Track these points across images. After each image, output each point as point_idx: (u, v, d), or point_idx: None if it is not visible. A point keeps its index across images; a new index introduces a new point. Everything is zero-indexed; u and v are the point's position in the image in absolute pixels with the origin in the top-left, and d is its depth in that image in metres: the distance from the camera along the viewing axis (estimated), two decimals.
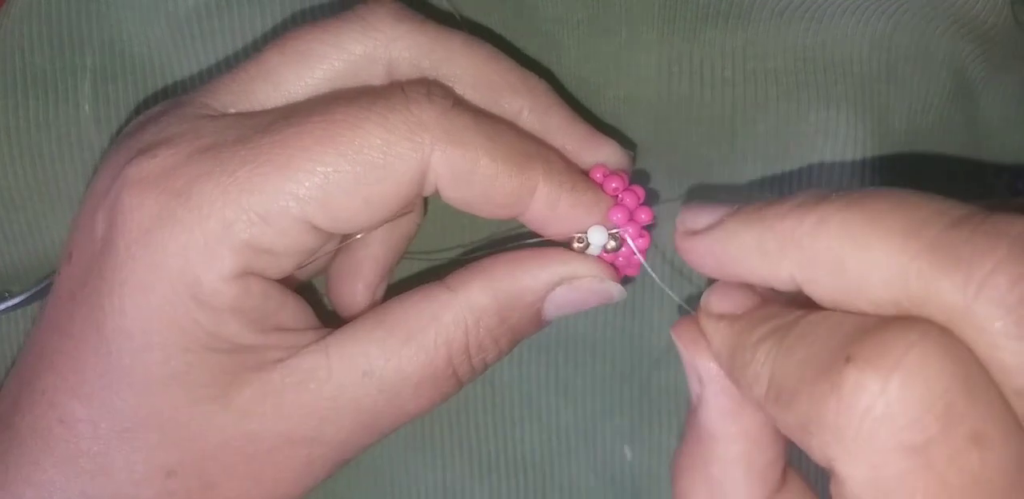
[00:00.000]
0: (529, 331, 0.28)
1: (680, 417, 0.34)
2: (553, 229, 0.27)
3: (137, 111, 0.32)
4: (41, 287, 0.32)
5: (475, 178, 0.25)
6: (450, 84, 0.27)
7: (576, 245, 0.27)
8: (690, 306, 0.26)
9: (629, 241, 0.28)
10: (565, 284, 0.27)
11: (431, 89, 0.25)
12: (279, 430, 0.26)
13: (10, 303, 0.32)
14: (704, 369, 0.24)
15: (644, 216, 0.27)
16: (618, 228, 0.27)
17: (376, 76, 0.26)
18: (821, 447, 0.19)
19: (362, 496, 0.33)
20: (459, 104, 0.25)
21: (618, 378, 0.33)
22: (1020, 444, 0.18)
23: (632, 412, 0.33)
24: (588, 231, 0.27)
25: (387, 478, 0.33)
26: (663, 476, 0.34)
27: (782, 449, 0.24)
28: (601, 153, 0.28)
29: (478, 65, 0.27)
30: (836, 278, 0.20)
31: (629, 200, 0.27)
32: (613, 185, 0.27)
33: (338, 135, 0.24)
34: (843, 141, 0.31)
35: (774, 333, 0.21)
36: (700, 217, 0.24)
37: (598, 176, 0.28)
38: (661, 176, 0.32)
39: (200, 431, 0.25)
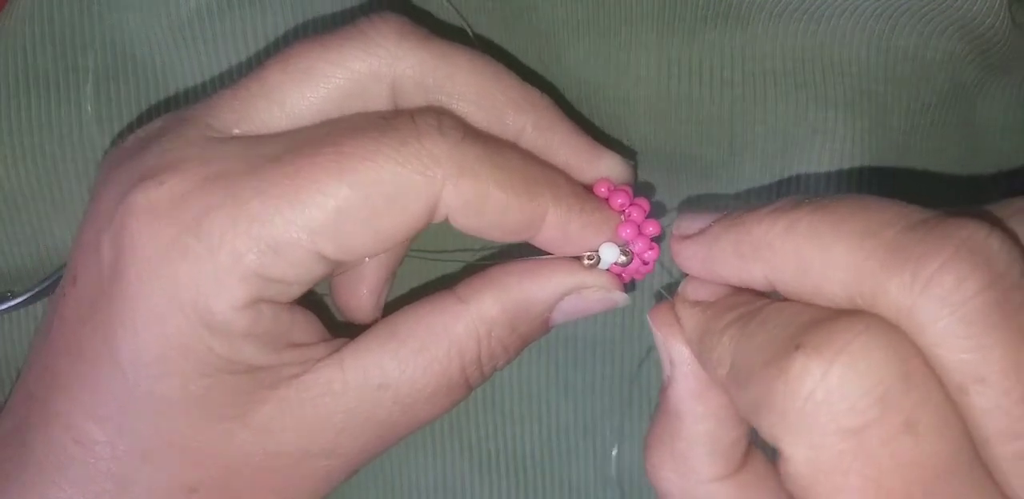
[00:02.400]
0: (536, 336, 0.28)
1: None
2: (565, 250, 0.27)
3: (139, 115, 0.32)
4: (43, 287, 0.32)
5: (486, 208, 0.25)
6: (454, 102, 0.27)
7: (586, 261, 0.28)
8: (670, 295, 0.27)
9: (638, 257, 0.28)
10: (573, 294, 0.27)
11: (442, 120, 0.25)
12: (298, 444, 0.26)
13: (12, 303, 0.32)
14: (675, 352, 0.25)
15: (652, 228, 0.28)
16: (628, 243, 0.28)
17: (380, 94, 0.26)
18: (769, 427, 0.20)
19: (363, 494, 0.33)
20: (469, 135, 0.25)
21: (618, 377, 0.34)
22: (954, 437, 0.19)
23: (632, 411, 0.33)
24: (600, 248, 0.27)
25: (388, 476, 0.33)
26: None
27: (745, 430, 0.25)
28: (603, 166, 0.28)
29: (482, 83, 0.27)
30: (800, 278, 0.21)
31: (636, 214, 0.28)
32: (619, 201, 0.28)
33: (350, 168, 0.24)
34: (841, 141, 0.31)
35: (739, 319, 0.23)
36: (694, 223, 0.25)
37: (603, 191, 0.28)
38: (660, 176, 0.32)
39: (221, 449, 0.25)
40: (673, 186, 0.32)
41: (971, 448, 0.20)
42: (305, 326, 0.26)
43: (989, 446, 0.19)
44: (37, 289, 0.32)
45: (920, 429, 0.19)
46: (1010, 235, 0.20)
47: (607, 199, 0.28)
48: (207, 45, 0.31)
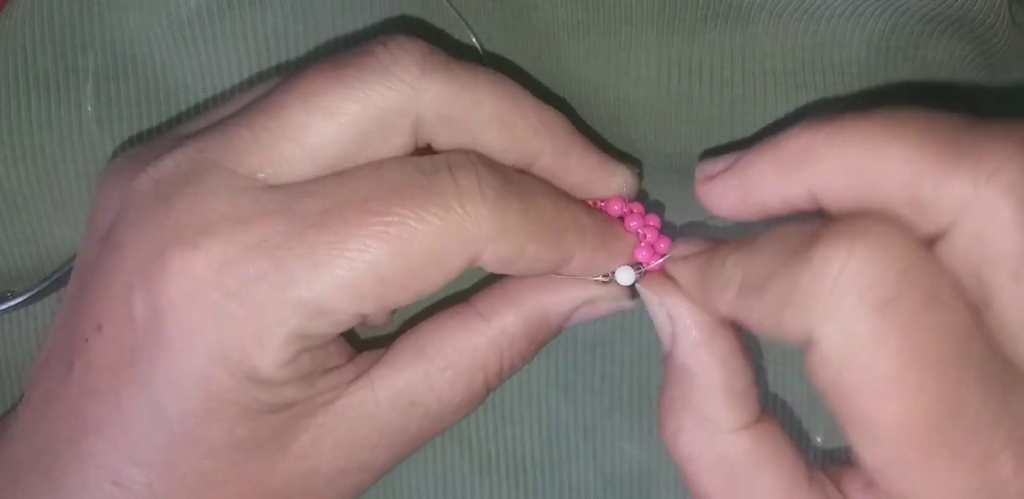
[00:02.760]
0: (548, 341, 0.29)
1: None
2: (587, 275, 0.28)
3: (139, 115, 0.32)
4: (43, 287, 0.32)
5: (520, 260, 0.26)
6: (477, 132, 0.26)
7: (601, 279, 0.29)
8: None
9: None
10: (587, 304, 0.29)
11: (481, 176, 0.25)
12: (336, 464, 0.27)
13: (12, 303, 0.33)
14: (673, 305, 0.26)
15: (664, 245, 0.29)
16: (643, 264, 0.29)
17: (403, 127, 0.26)
18: (798, 320, 0.22)
19: (363, 495, 0.33)
20: (506, 189, 0.25)
21: (618, 377, 0.34)
22: (968, 311, 0.22)
23: (632, 411, 0.33)
24: (616, 272, 0.28)
25: (388, 477, 0.33)
26: (663, 475, 0.34)
27: (754, 377, 0.26)
28: (615, 183, 0.29)
29: (504, 111, 0.27)
30: (853, 181, 0.23)
31: (650, 234, 0.29)
32: (633, 223, 0.29)
33: (396, 238, 0.24)
34: None
35: (740, 247, 0.24)
36: (717, 164, 0.26)
37: (616, 210, 0.29)
38: (660, 176, 0.32)
39: (262, 480, 0.26)
40: (673, 186, 0.32)
41: (980, 325, 0.22)
42: (337, 349, 0.27)
43: None
44: (37, 289, 0.32)
45: (942, 299, 0.21)
46: None
47: (621, 217, 0.29)
48: (207, 45, 0.31)
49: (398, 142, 0.26)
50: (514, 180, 0.26)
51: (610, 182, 0.29)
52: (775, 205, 0.25)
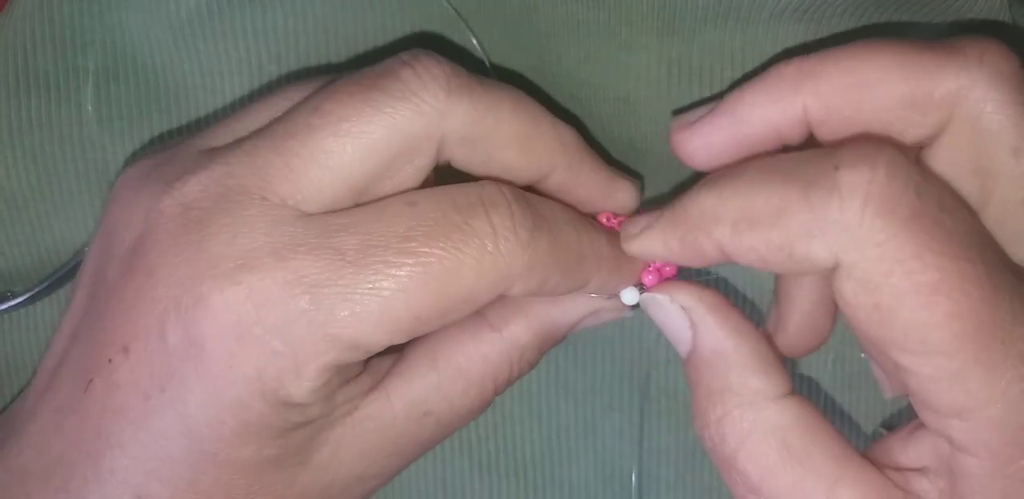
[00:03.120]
0: (552, 347, 0.30)
1: (680, 417, 0.34)
2: (597, 294, 0.29)
3: (140, 116, 0.32)
4: (43, 287, 0.32)
5: (543, 290, 0.27)
6: (498, 151, 0.27)
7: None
8: None
9: None
10: (592, 314, 0.29)
11: (514, 215, 0.25)
12: (353, 473, 0.27)
13: (13, 303, 0.33)
14: (684, 298, 0.27)
15: (670, 270, 0.29)
16: (647, 286, 0.29)
17: (428, 149, 0.26)
18: (829, 246, 0.23)
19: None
20: (537, 226, 0.26)
21: (618, 377, 0.34)
22: (972, 211, 0.24)
23: (632, 411, 0.33)
24: (621, 293, 0.29)
25: None
26: (663, 475, 0.34)
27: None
28: (621, 198, 0.29)
29: (522, 131, 0.27)
30: (850, 92, 0.25)
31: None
32: None
33: (432, 277, 0.24)
34: None
35: (714, 187, 0.25)
36: (695, 112, 0.27)
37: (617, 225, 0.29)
38: (659, 177, 0.32)
39: (283, 490, 0.26)
40: (673, 187, 0.32)
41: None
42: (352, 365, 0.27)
43: None
44: (37, 289, 0.32)
45: (950, 208, 0.23)
46: None
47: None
48: (207, 44, 0.31)
49: (421, 163, 0.26)
50: (542, 213, 0.26)
51: (617, 197, 0.29)
52: (766, 137, 0.26)
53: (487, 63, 0.32)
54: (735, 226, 0.24)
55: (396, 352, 0.28)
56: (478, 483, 0.34)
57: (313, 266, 0.24)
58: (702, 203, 0.25)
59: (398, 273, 0.24)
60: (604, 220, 0.29)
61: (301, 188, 0.25)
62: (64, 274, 0.32)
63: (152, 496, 0.25)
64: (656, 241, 0.26)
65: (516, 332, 0.28)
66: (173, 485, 0.25)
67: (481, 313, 0.28)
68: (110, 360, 0.26)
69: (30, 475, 0.27)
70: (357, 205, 0.26)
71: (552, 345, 0.29)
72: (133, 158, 0.32)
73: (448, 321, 0.25)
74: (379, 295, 0.24)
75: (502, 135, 0.27)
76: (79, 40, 0.31)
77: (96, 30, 0.31)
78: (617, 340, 0.33)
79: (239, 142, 0.26)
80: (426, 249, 0.24)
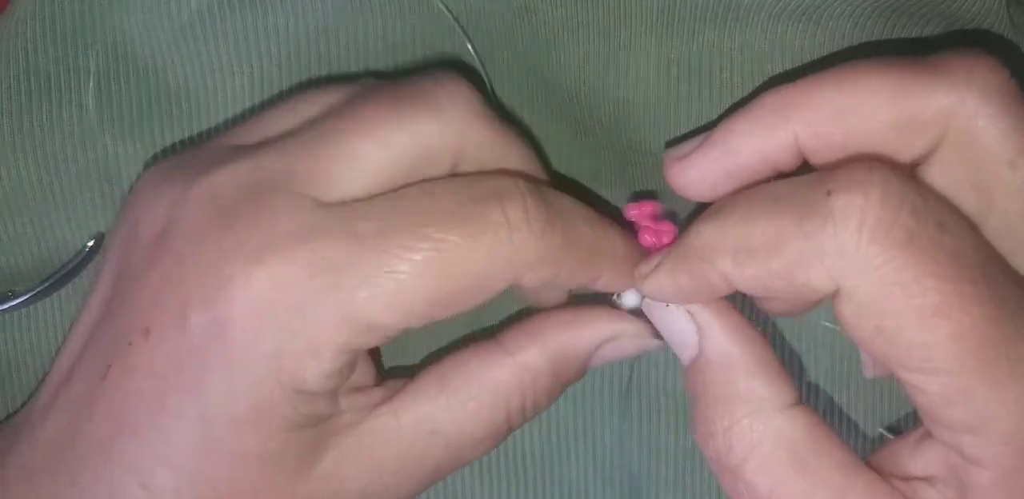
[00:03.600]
0: (576, 380, 0.30)
1: (679, 417, 0.34)
2: (606, 290, 0.29)
3: (141, 116, 0.32)
4: (44, 287, 0.33)
5: (555, 283, 0.27)
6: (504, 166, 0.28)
7: (615, 299, 0.29)
8: None
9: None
10: (611, 342, 0.29)
11: (528, 208, 0.26)
12: (356, 487, 0.27)
13: (13, 303, 0.33)
14: (685, 295, 0.26)
15: None
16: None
17: (445, 160, 0.27)
18: (823, 274, 0.23)
19: None
20: (551, 218, 0.26)
21: (618, 377, 0.34)
22: (972, 227, 0.24)
23: (632, 412, 0.33)
24: (624, 294, 0.29)
25: None
26: (663, 475, 0.34)
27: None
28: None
29: (526, 165, 0.29)
30: (839, 118, 0.25)
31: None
32: (652, 240, 0.29)
33: (446, 263, 0.25)
34: None
35: (712, 212, 0.26)
36: (687, 145, 0.27)
37: (633, 213, 0.29)
38: (659, 177, 0.32)
39: (287, 494, 0.26)
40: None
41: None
42: (364, 369, 0.27)
43: None
44: (38, 289, 0.32)
45: (949, 227, 0.23)
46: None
47: (641, 231, 0.29)
48: (208, 45, 0.31)
49: (437, 173, 0.27)
50: (556, 206, 0.27)
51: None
52: (759, 166, 0.26)
53: (483, 72, 0.32)
54: (736, 258, 0.24)
55: (410, 375, 0.28)
56: (477, 483, 0.34)
57: (335, 249, 0.25)
58: (704, 236, 0.25)
59: (414, 257, 0.25)
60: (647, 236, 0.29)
61: (327, 184, 0.26)
62: (65, 274, 0.33)
63: (157, 485, 0.25)
64: (666, 278, 0.26)
65: (529, 356, 0.28)
66: (178, 474, 0.25)
67: (496, 339, 0.28)
68: (130, 343, 0.26)
69: (39, 471, 0.27)
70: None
71: (570, 375, 0.29)
72: (134, 158, 0.32)
73: (460, 308, 0.26)
74: (395, 278, 0.25)
75: (510, 162, 0.28)
76: (80, 41, 0.31)
77: (97, 31, 0.31)
78: None
79: (268, 141, 0.27)
80: (442, 235, 0.25)
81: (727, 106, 0.31)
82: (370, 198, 0.26)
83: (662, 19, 0.30)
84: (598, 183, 0.34)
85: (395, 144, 0.26)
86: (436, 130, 0.27)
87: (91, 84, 0.32)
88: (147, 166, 0.32)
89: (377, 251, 0.25)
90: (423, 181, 0.27)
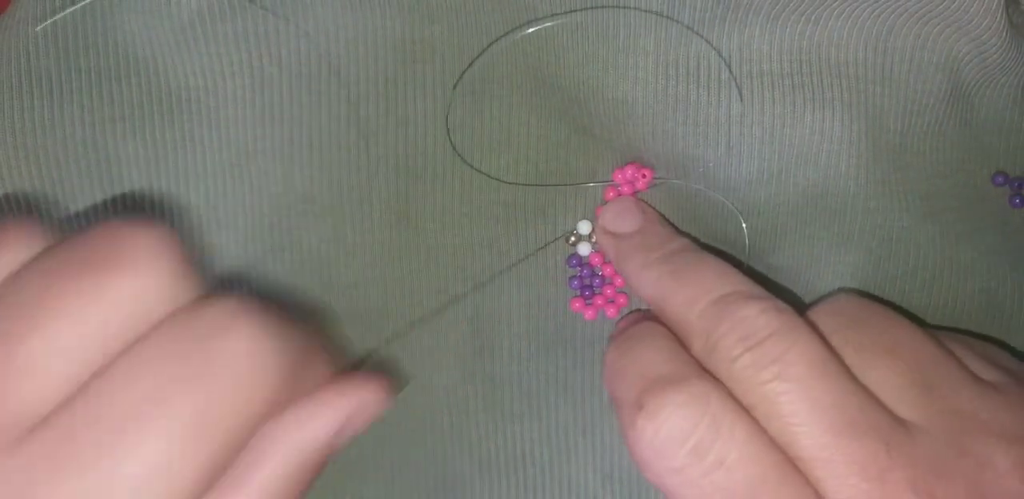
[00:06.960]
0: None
1: None
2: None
3: (141, 114, 0.32)
4: None
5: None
6: None
7: (572, 238, 0.33)
8: None
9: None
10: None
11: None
12: None
13: None
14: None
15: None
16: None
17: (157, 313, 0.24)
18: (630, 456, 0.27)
19: (362, 492, 0.33)
20: None
21: None
22: (763, 460, 0.25)
23: None
24: (577, 225, 0.33)
25: (387, 474, 0.33)
26: None
27: None
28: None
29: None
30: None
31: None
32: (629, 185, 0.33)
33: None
34: (838, 142, 0.31)
35: (614, 346, 0.29)
36: (620, 222, 0.32)
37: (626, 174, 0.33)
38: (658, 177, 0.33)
39: None
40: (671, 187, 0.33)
41: (784, 460, 0.25)
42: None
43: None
44: None
45: (729, 463, 0.25)
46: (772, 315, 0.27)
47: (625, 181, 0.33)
48: (208, 47, 0.31)
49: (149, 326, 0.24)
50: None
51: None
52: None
53: (482, 71, 0.32)
54: (611, 397, 0.29)
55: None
56: (478, 481, 0.34)
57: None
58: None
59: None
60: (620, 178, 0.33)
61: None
62: None
63: None
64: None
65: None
66: None
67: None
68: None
69: None
70: None
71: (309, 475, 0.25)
72: (134, 159, 0.32)
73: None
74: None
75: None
76: (81, 41, 0.32)
77: (98, 32, 0.32)
78: None
79: None
80: None
81: (726, 106, 0.31)
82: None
83: (661, 20, 0.30)
84: None
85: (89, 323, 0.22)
86: (135, 292, 0.23)
87: (91, 85, 0.32)
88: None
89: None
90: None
